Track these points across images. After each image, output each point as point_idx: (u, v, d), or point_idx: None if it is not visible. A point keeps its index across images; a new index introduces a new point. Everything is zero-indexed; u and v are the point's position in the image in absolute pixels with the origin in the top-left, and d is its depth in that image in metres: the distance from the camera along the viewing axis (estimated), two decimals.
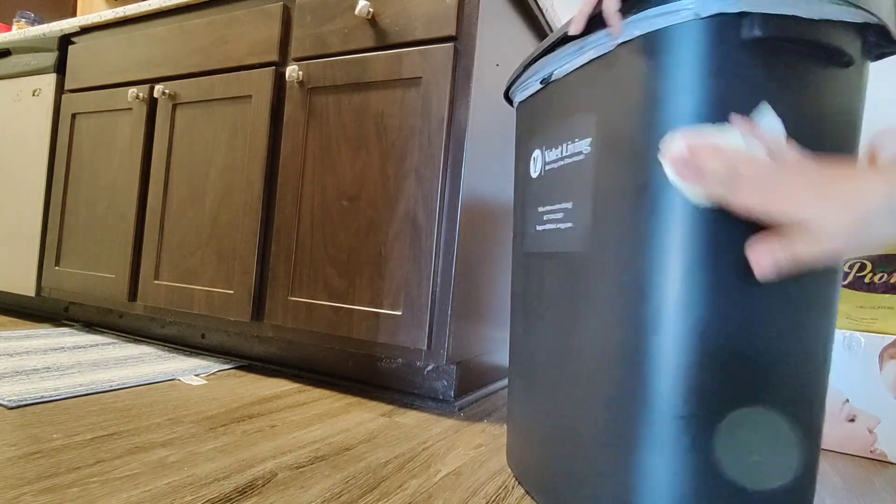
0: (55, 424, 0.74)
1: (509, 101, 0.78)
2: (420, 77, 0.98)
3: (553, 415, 0.58)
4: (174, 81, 1.30)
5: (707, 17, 0.43)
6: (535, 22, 1.23)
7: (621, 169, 0.49)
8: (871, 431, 0.91)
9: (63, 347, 1.21)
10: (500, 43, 1.06)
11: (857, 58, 0.46)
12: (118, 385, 0.94)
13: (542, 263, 0.62)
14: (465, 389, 1.06)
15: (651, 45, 0.47)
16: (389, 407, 0.98)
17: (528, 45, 1.21)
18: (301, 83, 1.11)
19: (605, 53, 0.52)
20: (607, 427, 0.48)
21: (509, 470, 0.72)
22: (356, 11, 1.02)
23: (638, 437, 0.45)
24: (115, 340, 1.35)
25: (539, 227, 0.63)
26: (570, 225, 0.56)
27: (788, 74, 0.44)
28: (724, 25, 0.43)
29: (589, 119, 0.54)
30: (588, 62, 0.55)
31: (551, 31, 1.29)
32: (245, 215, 1.16)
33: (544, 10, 1.20)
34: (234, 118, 1.20)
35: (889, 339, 0.90)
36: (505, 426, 0.92)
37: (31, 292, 1.53)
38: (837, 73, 0.46)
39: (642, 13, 0.47)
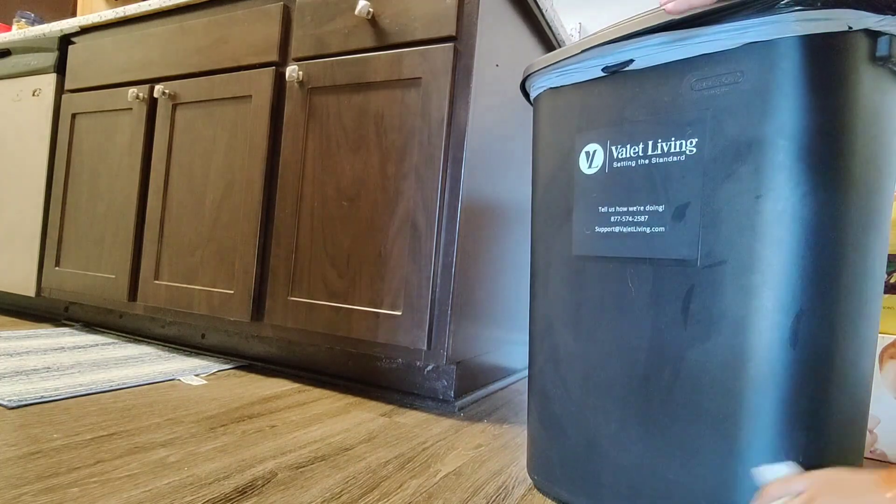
0: (55, 424, 0.74)
1: (525, 92, 0.73)
2: (420, 77, 0.98)
3: (644, 425, 0.55)
4: (174, 81, 1.30)
5: (857, 30, 0.45)
6: (535, 22, 1.23)
7: (739, 175, 0.48)
8: (871, 431, 0.91)
9: (63, 347, 1.21)
10: (499, 43, 1.06)
11: None
12: (118, 385, 0.94)
13: (612, 269, 0.58)
14: (464, 389, 1.06)
15: (786, 50, 0.47)
16: (389, 407, 0.98)
17: (527, 45, 1.21)
18: (301, 83, 1.11)
19: (722, 51, 0.50)
20: (727, 436, 0.49)
21: (510, 470, 0.72)
22: (356, 11, 1.02)
23: (753, 446, 0.47)
24: (115, 340, 1.35)
25: (603, 230, 0.59)
26: (661, 230, 0.54)
27: None
28: (862, 40, 0.46)
29: (695, 118, 0.51)
30: (691, 57, 0.52)
31: (551, 31, 1.29)
32: (245, 215, 1.16)
33: (544, 11, 1.20)
34: (234, 118, 1.20)
35: (889, 339, 0.90)
36: (505, 426, 0.92)
37: (31, 292, 1.53)
38: None
39: (781, 15, 0.46)
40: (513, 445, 0.82)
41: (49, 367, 1.02)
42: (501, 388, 1.21)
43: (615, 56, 0.57)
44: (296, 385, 1.07)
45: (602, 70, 0.59)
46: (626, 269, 0.57)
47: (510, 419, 0.97)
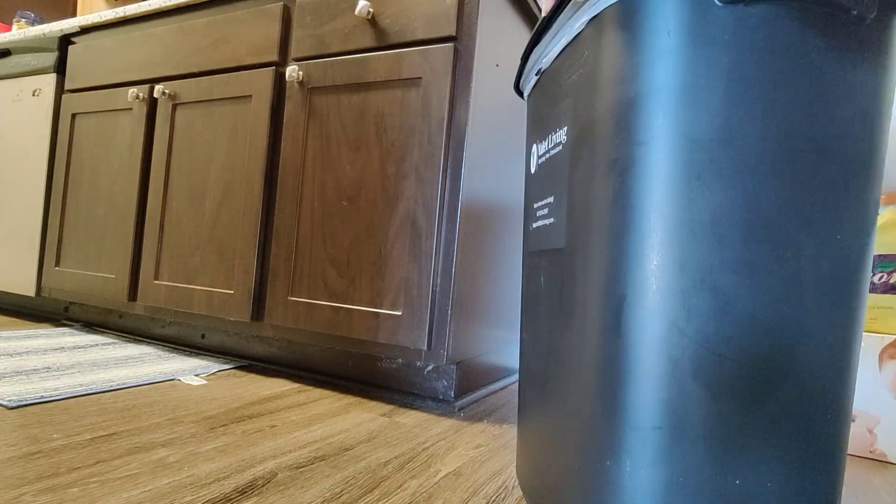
0: (55, 424, 0.74)
1: (521, 94, 0.75)
2: (420, 77, 0.98)
3: (543, 423, 0.54)
4: (174, 81, 1.30)
5: None
6: (534, 22, 1.23)
7: (591, 154, 0.44)
8: (871, 431, 0.91)
9: (63, 347, 1.21)
10: (500, 43, 1.06)
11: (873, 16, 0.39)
12: (118, 385, 0.94)
13: (538, 262, 0.59)
14: (465, 389, 1.06)
15: (617, 17, 0.42)
16: (389, 407, 0.98)
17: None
18: (301, 83, 1.11)
19: (576, 35, 0.48)
20: (585, 436, 0.43)
21: (510, 470, 0.72)
22: (356, 11, 1.02)
23: (612, 447, 0.40)
24: (115, 340, 1.35)
25: (534, 225, 0.61)
26: (552, 221, 0.53)
27: (782, 46, 0.38)
28: None
29: (566, 106, 0.50)
30: (565, 46, 0.51)
31: None
32: (245, 215, 1.16)
33: (544, 10, 1.20)
34: (234, 118, 1.20)
35: (889, 339, 0.90)
36: (505, 426, 0.92)
37: (31, 292, 1.53)
38: (853, 36, 0.39)
39: None
40: (513, 445, 0.82)
41: (49, 367, 1.02)
42: (502, 388, 1.21)
43: (540, 60, 0.59)
44: (296, 385, 1.07)
45: (535, 74, 0.62)
46: (540, 262, 0.57)
47: (510, 419, 0.97)
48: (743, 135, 0.38)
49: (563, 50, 0.52)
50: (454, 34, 0.96)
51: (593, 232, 0.43)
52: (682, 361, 0.38)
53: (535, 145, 0.63)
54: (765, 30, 0.38)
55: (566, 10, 0.49)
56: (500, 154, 1.10)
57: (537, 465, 0.55)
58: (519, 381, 0.69)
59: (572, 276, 0.47)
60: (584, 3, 0.45)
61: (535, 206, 0.61)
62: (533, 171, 0.63)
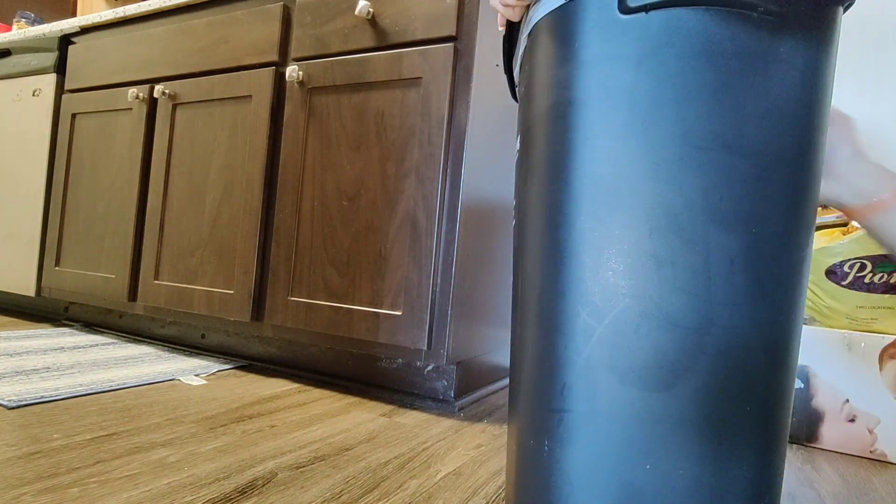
0: (55, 424, 0.74)
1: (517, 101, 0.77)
2: (420, 77, 0.98)
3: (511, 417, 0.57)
4: (174, 81, 1.30)
5: None
6: None
7: (524, 160, 0.48)
8: (871, 431, 0.91)
9: (63, 347, 1.21)
10: (500, 43, 1.06)
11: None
12: (118, 385, 0.94)
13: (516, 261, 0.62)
14: (465, 389, 1.06)
15: (541, 33, 0.45)
16: (389, 407, 0.98)
17: None
18: (301, 83, 1.11)
19: (524, 47, 0.50)
20: (519, 422, 0.46)
21: None
22: (356, 11, 1.02)
23: (535, 429, 0.43)
24: (115, 340, 1.35)
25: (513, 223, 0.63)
26: (513, 220, 0.56)
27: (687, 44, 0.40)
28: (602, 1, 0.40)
29: (519, 115, 0.53)
30: (521, 59, 0.52)
31: None
32: (245, 215, 1.16)
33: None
34: (234, 118, 1.20)
35: (889, 339, 0.90)
36: (505, 426, 0.92)
37: (31, 292, 1.53)
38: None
39: None
40: None
41: (49, 367, 1.02)
42: (502, 388, 1.21)
43: (515, 71, 0.60)
44: (296, 385, 1.07)
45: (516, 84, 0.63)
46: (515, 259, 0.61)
47: None
48: (647, 141, 0.39)
49: (521, 62, 0.53)
50: (454, 34, 0.96)
51: (528, 231, 0.46)
52: (595, 350, 0.40)
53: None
54: (668, 36, 0.39)
55: (521, 24, 0.51)
56: (500, 154, 1.10)
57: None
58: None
59: (519, 274, 0.49)
60: (528, 20, 0.47)
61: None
62: None
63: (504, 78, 1.09)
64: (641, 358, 0.39)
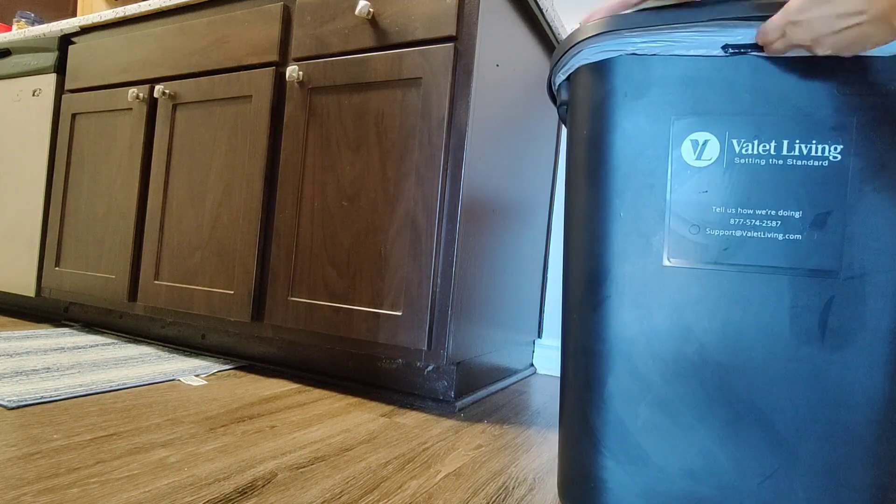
0: (55, 425, 0.74)
1: (559, 60, 0.63)
2: (420, 77, 0.98)
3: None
4: (174, 81, 1.30)
5: None
6: (535, 22, 1.23)
7: (887, 187, 0.48)
8: None
9: (63, 348, 1.21)
10: (500, 43, 1.06)
11: None
12: (118, 385, 0.94)
13: (728, 277, 0.53)
14: (465, 390, 1.06)
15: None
16: (389, 407, 0.98)
17: (528, 45, 1.21)
18: (301, 83, 1.11)
19: (879, 56, 0.48)
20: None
21: (510, 471, 0.72)
22: (356, 11, 1.02)
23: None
24: (115, 341, 1.35)
25: (714, 232, 0.53)
26: (798, 237, 0.51)
27: None
28: None
29: (840, 123, 0.49)
30: (840, 57, 0.49)
31: (552, 30, 1.29)
32: (245, 215, 1.16)
33: (544, 10, 1.20)
34: (235, 118, 1.20)
35: None
36: (505, 427, 0.92)
37: (31, 292, 1.53)
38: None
39: None
40: (513, 446, 0.82)
41: (49, 368, 1.02)
42: (502, 389, 1.21)
43: (744, 34, 0.51)
44: (296, 385, 1.07)
45: (721, 48, 0.52)
46: (738, 278, 0.52)
47: (510, 420, 0.97)
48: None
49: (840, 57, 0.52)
50: (454, 34, 0.96)
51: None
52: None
53: (709, 134, 0.54)
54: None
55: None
56: (500, 154, 1.10)
57: None
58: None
59: (855, 297, 0.50)
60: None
61: (721, 209, 0.53)
62: (703, 165, 0.54)
63: (504, 77, 1.09)
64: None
